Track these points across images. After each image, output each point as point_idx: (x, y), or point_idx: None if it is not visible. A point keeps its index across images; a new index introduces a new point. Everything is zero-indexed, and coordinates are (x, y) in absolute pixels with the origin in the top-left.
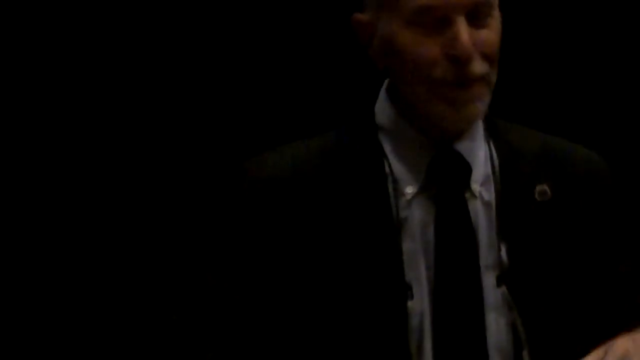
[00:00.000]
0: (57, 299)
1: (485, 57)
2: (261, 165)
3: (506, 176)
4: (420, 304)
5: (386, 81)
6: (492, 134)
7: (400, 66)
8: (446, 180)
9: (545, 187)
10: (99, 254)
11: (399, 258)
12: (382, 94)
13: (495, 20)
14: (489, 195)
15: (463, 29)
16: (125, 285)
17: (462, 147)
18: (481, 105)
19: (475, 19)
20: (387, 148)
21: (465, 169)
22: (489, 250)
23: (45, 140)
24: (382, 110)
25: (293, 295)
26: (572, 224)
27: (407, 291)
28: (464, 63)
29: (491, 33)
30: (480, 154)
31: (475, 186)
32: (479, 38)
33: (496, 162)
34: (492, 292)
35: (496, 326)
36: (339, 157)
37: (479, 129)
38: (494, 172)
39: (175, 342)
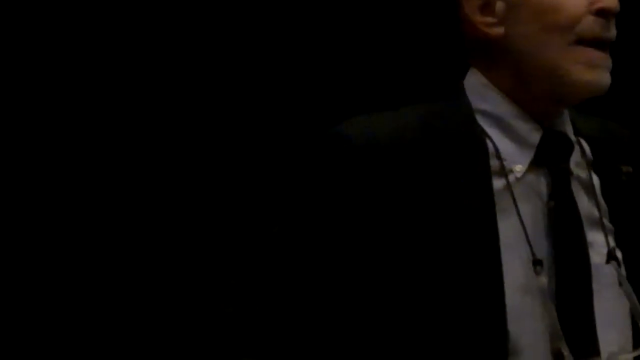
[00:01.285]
0: (72, 298)
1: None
2: (358, 131)
3: (596, 157)
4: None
5: (473, 68)
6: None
7: (538, 26)
8: (555, 159)
9: (629, 168)
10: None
11: (524, 233)
12: (475, 78)
13: None
14: (585, 175)
15: None
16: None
17: (561, 127)
18: (609, 77)
19: None
20: (489, 128)
21: (569, 148)
22: (590, 228)
23: (53, 140)
24: (478, 92)
25: (388, 268)
26: None
27: (536, 266)
28: (611, 14)
29: None
30: (571, 137)
31: (572, 165)
32: None
33: (584, 144)
34: (600, 268)
35: (607, 302)
36: (436, 133)
37: (567, 111)
38: (583, 153)
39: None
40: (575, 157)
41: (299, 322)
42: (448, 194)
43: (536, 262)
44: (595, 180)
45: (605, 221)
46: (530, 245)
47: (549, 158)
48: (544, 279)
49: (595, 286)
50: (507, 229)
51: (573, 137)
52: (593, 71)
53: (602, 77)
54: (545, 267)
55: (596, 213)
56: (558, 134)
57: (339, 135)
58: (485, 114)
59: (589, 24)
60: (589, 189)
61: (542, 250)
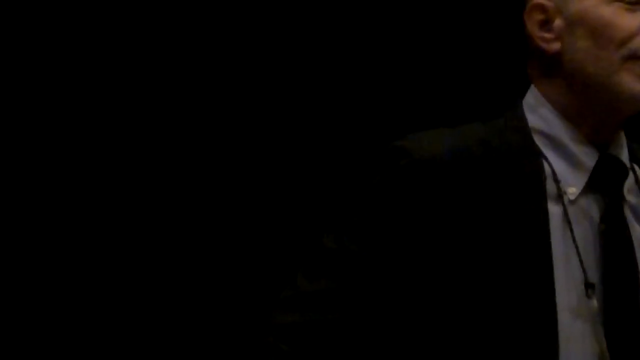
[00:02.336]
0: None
1: None
2: (420, 145)
3: None
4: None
5: (532, 85)
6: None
7: (592, 42)
8: (609, 184)
9: None
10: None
11: (578, 256)
12: (533, 97)
13: None
14: (637, 201)
15: None
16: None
17: (616, 152)
18: None
19: None
20: (545, 149)
21: (624, 173)
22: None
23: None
24: (535, 112)
25: (443, 282)
26: None
27: (588, 289)
28: None
29: None
30: (626, 162)
31: (625, 191)
32: None
33: (638, 170)
34: None
35: None
36: (495, 152)
37: (623, 137)
38: (637, 179)
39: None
40: (629, 183)
41: (357, 327)
42: (504, 213)
43: (588, 285)
44: None
45: None
46: (583, 268)
47: (603, 182)
48: (595, 302)
49: None
50: (560, 251)
51: (628, 163)
52: None
53: None
54: (595, 291)
55: None
56: (613, 158)
57: (402, 149)
58: (542, 134)
59: None
60: (636, 215)
61: (593, 273)
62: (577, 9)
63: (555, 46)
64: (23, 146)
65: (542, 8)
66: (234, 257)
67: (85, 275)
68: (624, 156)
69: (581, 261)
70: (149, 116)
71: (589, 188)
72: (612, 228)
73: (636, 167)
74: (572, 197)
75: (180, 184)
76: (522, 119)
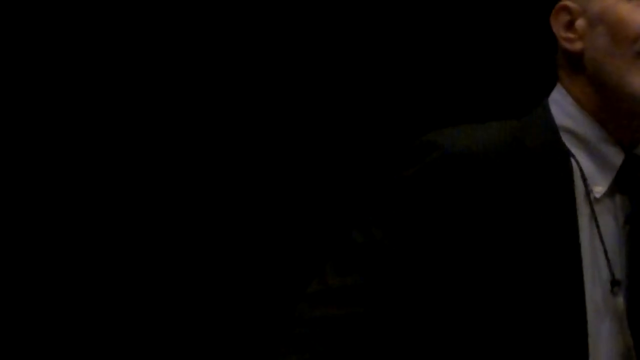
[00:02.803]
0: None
1: None
2: (452, 140)
3: None
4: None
5: (559, 84)
6: None
7: (610, 39)
8: (634, 184)
9: None
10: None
11: (604, 254)
12: (560, 95)
13: None
14: None
15: None
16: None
17: None
18: None
19: None
20: (573, 148)
21: None
22: None
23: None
24: (562, 110)
25: (470, 277)
26: None
27: (614, 286)
28: None
29: None
30: None
31: None
32: None
33: None
34: None
35: None
36: (525, 149)
37: None
38: None
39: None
40: None
41: (385, 322)
42: (534, 210)
43: (614, 283)
44: None
45: None
46: (609, 266)
47: (629, 182)
48: (621, 300)
49: None
50: (588, 249)
51: None
52: None
53: None
54: (621, 289)
55: None
56: (638, 159)
57: (434, 143)
58: (569, 131)
59: None
60: None
61: (617, 272)
62: (598, 8)
63: (578, 46)
64: (23, 146)
65: (567, 9)
66: (238, 256)
67: (85, 275)
68: None
69: (608, 259)
70: (149, 116)
71: (615, 187)
72: (635, 228)
73: None
74: (597, 196)
75: (188, 183)
76: (550, 117)
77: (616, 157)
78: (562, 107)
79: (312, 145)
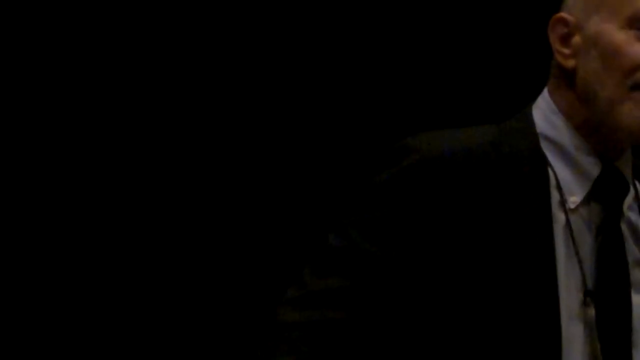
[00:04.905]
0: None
1: None
2: (430, 144)
3: None
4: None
5: (546, 91)
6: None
7: (602, 65)
8: (609, 196)
9: None
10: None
11: (579, 263)
12: (546, 103)
13: None
14: (635, 218)
15: None
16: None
17: (621, 167)
18: None
19: None
20: (551, 156)
21: (625, 188)
22: (633, 269)
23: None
24: (546, 118)
25: (445, 281)
26: None
27: (587, 296)
28: None
29: None
30: (629, 179)
31: (625, 207)
32: None
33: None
34: (638, 310)
35: None
36: (503, 155)
37: (630, 154)
38: (637, 197)
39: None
40: (629, 200)
41: (365, 325)
42: (510, 216)
43: (587, 293)
44: None
45: None
46: (583, 275)
47: (604, 194)
48: (592, 310)
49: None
50: (563, 257)
51: (630, 180)
52: None
53: None
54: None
55: (637, 255)
56: (616, 171)
57: (411, 146)
58: (550, 140)
59: None
60: (636, 232)
61: (589, 281)
62: (595, 30)
63: (571, 63)
64: (23, 146)
65: (564, 22)
66: (235, 257)
67: (85, 275)
68: (628, 172)
69: (581, 268)
70: (149, 116)
71: (590, 198)
72: (607, 240)
73: (638, 184)
74: (572, 206)
75: (182, 184)
76: (531, 124)
77: (594, 168)
78: (545, 115)
79: (290, 150)
